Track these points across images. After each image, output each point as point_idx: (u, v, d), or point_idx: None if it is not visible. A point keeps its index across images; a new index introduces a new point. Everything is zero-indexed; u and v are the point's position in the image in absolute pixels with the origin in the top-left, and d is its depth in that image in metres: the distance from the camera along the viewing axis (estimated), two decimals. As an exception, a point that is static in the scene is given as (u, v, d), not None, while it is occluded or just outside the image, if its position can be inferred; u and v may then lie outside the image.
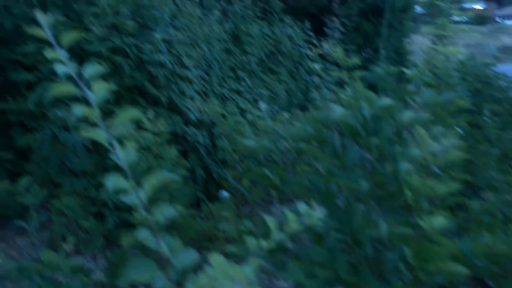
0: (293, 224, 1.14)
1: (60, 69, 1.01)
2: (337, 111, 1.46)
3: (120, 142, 1.06)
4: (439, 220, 1.36)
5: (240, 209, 3.55)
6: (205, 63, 4.20)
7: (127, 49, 3.43)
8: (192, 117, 3.54)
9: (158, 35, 3.47)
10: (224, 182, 3.33)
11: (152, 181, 1.04)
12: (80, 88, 1.01)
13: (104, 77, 2.88)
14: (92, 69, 1.04)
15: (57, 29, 1.04)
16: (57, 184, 3.17)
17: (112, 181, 1.01)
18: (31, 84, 3.43)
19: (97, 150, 3.23)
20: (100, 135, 1.02)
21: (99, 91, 1.02)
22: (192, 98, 3.58)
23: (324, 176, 1.57)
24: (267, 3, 6.83)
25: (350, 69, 3.03)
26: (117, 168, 2.95)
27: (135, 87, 3.54)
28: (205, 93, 4.00)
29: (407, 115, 1.55)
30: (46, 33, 1.02)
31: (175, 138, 3.43)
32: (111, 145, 1.03)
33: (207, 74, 4.22)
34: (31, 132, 3.33)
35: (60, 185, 3.13)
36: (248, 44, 5.23)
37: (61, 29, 1.04)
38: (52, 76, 3.19)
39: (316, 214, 1.20)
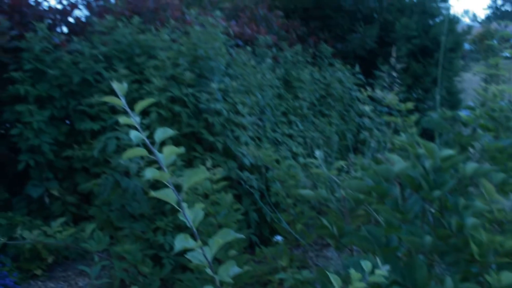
0: (357, 284, 1.14)
1: (133, 135, 1.08)
2: (398, 164, 1.47)
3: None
4: (508, 276, 1.33)
5: (293, 253, 3.54)
6: (259, 109, 4.30)
7: (185, 99, 3.58)
8: (246, 162, 3.61)
9: (214, 85, 3.60)
10: (277, 226, 3.34)
11: (218, 241, 1.08)
12: (151, 152, 1.07)
13: (164, 125, 2.99)
14: (162, 133, 1.12)
15: (120, 81, 1.12)
16: (117, 227, 3.29)
17: (181, 241, 1.06)
18: (95, 132, 3.62)
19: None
20: (170, 196, 1.08)
21: (169, 154, 1.09)
22: (246, 144, 3.66)
23: (385, 228, 1.57)
24: (316, 48, 6.96)
25: (401, 111, 3.02)
26: (174, 211, 3.00)
27: (192, 134, 3.66)
28: (258, 138, 4.08)
29: (470, 167, 1.54)
30: (120, 101, 1.11)
31: (230, 182, 3.50)
32: (179, 206, 1.08)
33: (260, 119, 4.31)
34: (94, 178, 3.48)
35: (120, 228, 3.24)
36: (299, 89, 5.32)
37: (125, 82, 1.13)
38: (115, 125, 3.37)
39: (380, 271, 1.20)
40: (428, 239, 1.40)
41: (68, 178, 3.71)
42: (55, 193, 3.50)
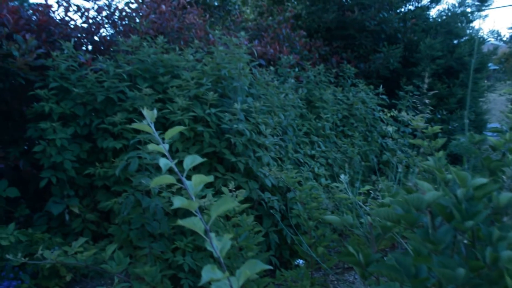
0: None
1: (163, 162, 1.06)
2: (429, 193, 1.41)
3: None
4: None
5: (313, 276, 3.46)
6: (281, 130, 4.27)
7: (208, 118, 3.57)
8: (268, 183, 3.57)
9: (237, 105, 3.59)
10: (297, 248, 3.29)
11: (246, 273, 1.04)
12: (180, 180, 1.05)
13: (186, 145, 2.96)
14: (191, 160, 1.09)
15: (144, 100, 1.10)
16: (137, 246, 3.27)
17: (208, 272, 1.02)
18: (117, 151, 3.63)
19: (175, 214, 3.32)
20: (197, 225, 1.05)
21: (198, 183, 1.06)
22: (268, 165, 3.62)
23: (414, 258, 1.51)
24: (339, 68, 6.94)
25: (425, 133, 2.96)
26: (194, 232, 2.95)
27: (214, 153, 3.64)
28: (280, 159, 4.04)
29: (504, 196, 1.47)
30: (151, 129, 1.08)
31: (251, 203, 3.47)
32: (206, 235, 1.05)
33: (283, 140, 4.28)
34: (115, 196, 3.48)
35: (140, 247, 3.22)
36: (322, 109, 5.29)
37: (148, 101, 1.11)
38: (137, 144, 3.37)
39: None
40: (461, 271, 1.34)
41: (88, 196, 3.72)
42: (76, 210, 3.50)
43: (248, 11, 9.38)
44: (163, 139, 1.13)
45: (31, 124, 3.59)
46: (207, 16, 6.64)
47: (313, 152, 4.61)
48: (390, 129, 5.41)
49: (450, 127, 7.55)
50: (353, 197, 2.17)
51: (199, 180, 1.05)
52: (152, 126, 1.08)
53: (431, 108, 5.77)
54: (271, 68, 5.13)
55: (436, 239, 1.47)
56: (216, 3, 8.46)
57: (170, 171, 1.07)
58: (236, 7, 8.85)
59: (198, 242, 3.15)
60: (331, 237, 3.28)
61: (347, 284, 3.62)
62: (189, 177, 1.09)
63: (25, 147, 3.85)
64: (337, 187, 2.84)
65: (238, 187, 3.47)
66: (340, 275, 3.78)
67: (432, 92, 4.48)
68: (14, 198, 3.54)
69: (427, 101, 4.82)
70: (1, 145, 3.57)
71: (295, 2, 8.90)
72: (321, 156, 4.71)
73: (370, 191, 2.69)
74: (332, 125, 5.35)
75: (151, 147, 1.06)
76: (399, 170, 2.96)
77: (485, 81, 9.02)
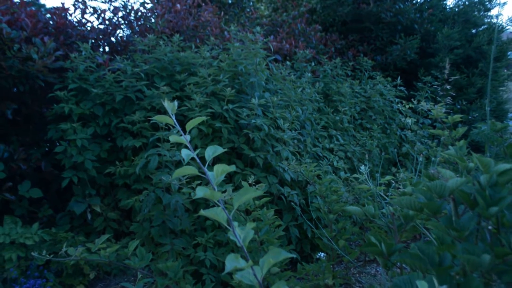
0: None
1: (184, 153, 1.06)
2: (452, 180, 1.39)
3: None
4: None
5: (335, 269, 3.45)
6: (299, 124, 4.26)
7: (226, 115, 3.57)
8: (287, 177, 3.56)
9: (254, 100, 3.59)
10: (318, 241, 3.28)
11: (269, 261, 1.04)
12: (202, 170, 1.05)
13: (204, 141, 2.97)
14: (212, 150, 1.09)
15: (162, 99, 1.11)
16: (158, 243, 3.30)
17: (232, 261, 1.02)
18: (136, 149, 3.67)
19: (196, 211, 3.34)
20: (219, 215, 1.05)
21: (219, 173, 1.06)
22: (287, 159, 3.62)
23: (438, 246, 1.49)
24: (356, 61, 6.89)
25: (446, 123, 2.91)
26: (214, 227, 2.98)
27: (232, 149, 3.65)
28: (299, 153, 4.03)
29: (528, 181, 1.45)
30: (172, 120, 1.09)
31: (271, 197, 3.47)
32: (229, 224, 1.05)
33: (301, 134, 4.27)
34: (135, 194, 3.51)
35: (161, 244, 3.24)
36: (339, 103, 5.26)
37: (166, 99, 1.12)
38: (156, 142, 3.40)
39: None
40: (486, 257, 1.32)
41: (109, 195, 3.76)
42: (97, 209, 3.54)
43: (262, 7, 9.36)
44: (183, 132, 1.14)
45: (51, 125, 3.64)
46: (222, 13, 6.65)
47: (331, 145, 4.58)
48: (409, 120, 5.34)
49: (470, 117, 7.45)
50: (374, 188, 2.15)
51: (220, 169, 1.05)
52: (173, 117, 1.09)
53: (453, 94, 5.69)
54: (287, 63, 5.11)
55: (460, 226, 1.45)
56: (230, 1, 8.47)
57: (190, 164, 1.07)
58: (251, 3, 8.84)
59: (219, 237, 3.16)
60: (352, 230, 3.26)
61: (369, 277, 3.59)
62: (210, 169, 1.09)
63: (46, 149, 3.91)
64: (357, 178, 2.82)
65: (257, 182, 3.47)
66: (362, 268, 3.76)
67: (452, 78, 4.42)
68: (37, 199, 3.60)
69: (448, 86, 4.75)
70: (23, 147, 3.62)
71: (310, -4, 8.86)
72: (339, 150, 4.69)
73: (391, 181, 2.66)
74: (350, 118, 5.31)
75: (172, 138, 1.06)
76: (420, 159, 2.92)
77: (505, 70, 8.86)
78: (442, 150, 3.04)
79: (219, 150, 1.08)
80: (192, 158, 1.09)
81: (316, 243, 3.54)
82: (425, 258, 1.50)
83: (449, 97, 4.22)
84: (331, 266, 3.22)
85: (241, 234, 1.03)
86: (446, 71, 4.26)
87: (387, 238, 2.66)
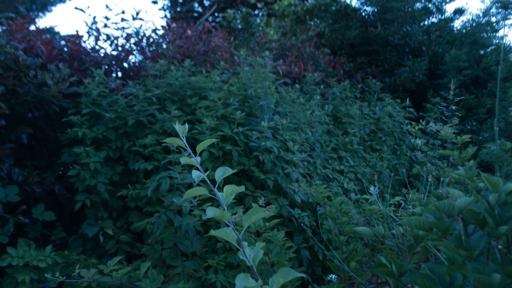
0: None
1: (195, 174, 1.09)
2: (461, 199, 1.41)
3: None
4: None
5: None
6: (309, 146, 4.29)
7: (236, 137, 3.62)
8: (298, 199, 3.58)
9: (264, 123, 3.63)
10: (330, 263, 3.27)
11: (279, 280, 1.06)
12: (212, 191, 1.08)
13: (215, 164, 3.01)
14: (222, 172, 1.12)
15: (173, 122, 1.15)
16: (169, 265, 3.31)
17: (241, 280, 1.04)
18: (148, 172, 3.71)
19: (207, 232, 3.35)
20: (229, 235, 1.07)
21: (229, 193, 1.09)
22: (297, 181, 3.64)
23: (448, 266, 1.50)
24: (364, 83, 6.95)
25: (456, 143, 2.93)
26: (225, 250, 3.00)
27: (242, 171, 3.69)
28: (309, 175, 4.05)
29: (537, 201, 1.46)
30: (183, 142, 1.13)
31: (281, 219, 3.48)
32: (239, 244, 1.07)
33: (311, 156, 4.30)
34: (147, 217, 3.53)
35: (172, 266, 3.25)
36: (349, 125, 5.29)
37: (177, 122, 1.15)
38: (168, 165, 3.44)
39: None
40: (496, 276, 1.32)
41: (122, 217, 3.79)
42: (110, 232, 3.57)
43: (271, 32, 9.50)
44: (194, 154, 1.17)
45: (65, 149, 3.70)
46: (232, 38, 6.77)
47: (341, 167, 4.60)
48: (419, 142, 5.35)
49: (480, 137, 7.42)
50: (384, 208, 2.16)
51: (230, 190, 1.08)
52: (184, 140, 1.13)
53: (459, 115, 5.70)
54: (297, 86, 5.17)
55: (469, 245, 1.46)
56: (240, 26, 8.62)
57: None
58: (260, 29, 8.98)
59: (230, 259, 3.17)
60: (363, 252, 3.25)
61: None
62: (220, 191, 1.12)
63: (60, 172, 3.96)
64: (367, 199, 2.83)
65: (267, 204, 3.49)
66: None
67: (458, 99, 4.45)
68: (50, 222, 3.64)
69: (453, 107, 4.77)
70: (38, 170, 3.68)
71: (318, 21, 8.98)
72: (350, 171, 4.70)
73: (401, 202, 2.66)
74: (359, 140, 5.33)
75: (183, 160, 1.10)
76: (430, 180, 2.93)
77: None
78: (452, 171, 3.05)
79: (229, 171, 1.12)
80: (203, 180, 1.12)
81: (327, 265, 3.53)
82: (436, 278, 1.50)
83: (455, 118, 4.23)
84: (343, 288, 3.21)
85: (251, 253, 1.06)
86: (451, 92, 4.28)
87: (398, 259, 2.66)
